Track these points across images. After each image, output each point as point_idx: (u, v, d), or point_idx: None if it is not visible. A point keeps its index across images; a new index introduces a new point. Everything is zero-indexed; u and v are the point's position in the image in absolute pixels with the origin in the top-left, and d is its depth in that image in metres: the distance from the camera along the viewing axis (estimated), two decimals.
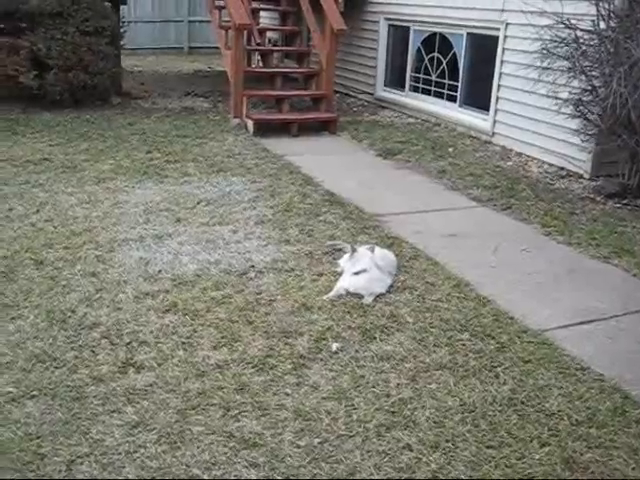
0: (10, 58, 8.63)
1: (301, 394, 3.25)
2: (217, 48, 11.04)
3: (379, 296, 4.23)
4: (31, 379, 3.31)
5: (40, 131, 8.13)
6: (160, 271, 4.48)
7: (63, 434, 2.92)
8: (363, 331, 3.83)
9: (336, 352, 3.61)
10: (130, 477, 2.69)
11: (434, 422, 3.08)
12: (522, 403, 3.24)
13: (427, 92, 9.78)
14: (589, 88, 6.30)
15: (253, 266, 4.60)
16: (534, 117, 7.57)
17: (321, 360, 3.54)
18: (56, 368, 3.41)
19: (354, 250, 4.35)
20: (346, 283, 4.28)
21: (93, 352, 3.55)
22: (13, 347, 3.58)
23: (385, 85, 10.64)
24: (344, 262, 4.49)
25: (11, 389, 3.23)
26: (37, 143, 7.61)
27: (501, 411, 3.17)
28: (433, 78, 9.62)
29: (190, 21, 18.29)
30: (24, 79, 8.72)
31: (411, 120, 9.61)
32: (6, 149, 7.33)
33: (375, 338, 3.76)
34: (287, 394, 3.24)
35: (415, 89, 10.04)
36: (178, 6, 18.15)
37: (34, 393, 3.20)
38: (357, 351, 3.63)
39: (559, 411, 3.19)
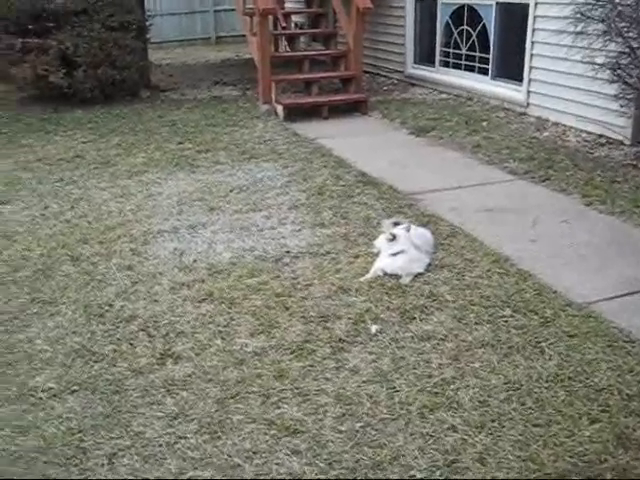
0: (39, 58, 8.70)
1: (341, 378, 3.19)
2: (244, 36, 11.01)
3: (417, 275, 4.14)
4: (71, 374, 3.31)
5: (72, 129, 8.19)
6: (195, 261, 4.46)
7: (104, 427, 2.91)
8: (402, 312, 3.75)
9: (375, 334, 3.55)
10: (172, 468, 2.67)
11: (478, 402, 2.99)
12: (569, 379, 3.13)
13: (458, 66, 9.59)
14: (627, 50, 6.07)
15: (288, 251, 4.55)
16: (570, 85, 7.35)
17: (360, 343, 3.48)
18: (95, 362, 3.41)
19: (393, 237, 4.23)
20: (383, 264, 4.20)
21: (131, 345, 3.54)
22: (52, 343, 3.60)
23: (414, 62, 10.47)
24: (380, 243, 4.40)
25: (52, 385, 3.24)
26: (69, 141, 7.66)
27: (548, 388, 3.07)
28: (463, 52, 9.42)
29: (216, 11, 18.29)
30: (54, 78, 8.79)
31: (443, 96, 9.44)
32: (40, 148, 7.40)
33: (415, 318, 3.68)
34: (327, 379, 3.19)
35: (445, 64, 9.86)
36: None
37: (75, 388, 3.21)
38: (397, 332, 3.56)
39: (609, 386, 3.07)
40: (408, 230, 4.30)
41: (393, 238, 4.23)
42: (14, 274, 4.44)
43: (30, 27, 8.77)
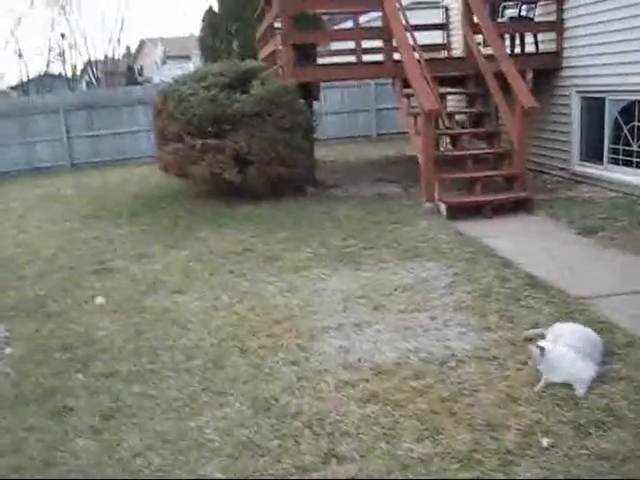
0: (216, 157, 9.35)
1: None
2: (404, 133, 11.26)
3: (591, 388, 3.92)
4: (238, 466, 3.39)
5: (242, 223, 8.65)
6: (360, 360, 4.48)
7: None
8: (576, 426, 3.54)
9: (547, 448, 3.37)
10: None
11: None
12: None
13: (628, 164, 9.25)
14: None
15: (454, 354, 4.46)
16: None
17: (531, 457, 3.31)
18: (261, 456, 3.47)
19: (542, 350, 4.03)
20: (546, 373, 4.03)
21: (296, 441, 3.57)
22: (221, 433, 3.71)
23: (580, 159, 10.23)
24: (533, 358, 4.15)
25: (220, 475, 3.32)
26: (240, 234, 8.07)
27: None
28: (635, 148, 9.11)
29: (377, 109, 18.91)
30: (228, 175, 9.38)
31: (612, 194, 9.10)
32: (212, 241, 7.85)
33: (590, 434, 3.46)
34: None
35: (615, 161, 9.55)
36: (365, 96, 18.89)
37: None
38: (570, 448, 3.35)
39: None
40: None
41: (542, 351, 4.03)
42: (187, 363, 4.66)
43: (209, 129, 9.48)
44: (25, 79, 48.08)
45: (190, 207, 9.98)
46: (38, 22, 72.52)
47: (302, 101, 10.06)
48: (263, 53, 13.44)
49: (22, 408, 4.22)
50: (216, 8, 24.52)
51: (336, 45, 14.86)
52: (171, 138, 9.88)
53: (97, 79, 48.84)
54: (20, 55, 47.07)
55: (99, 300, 6.16)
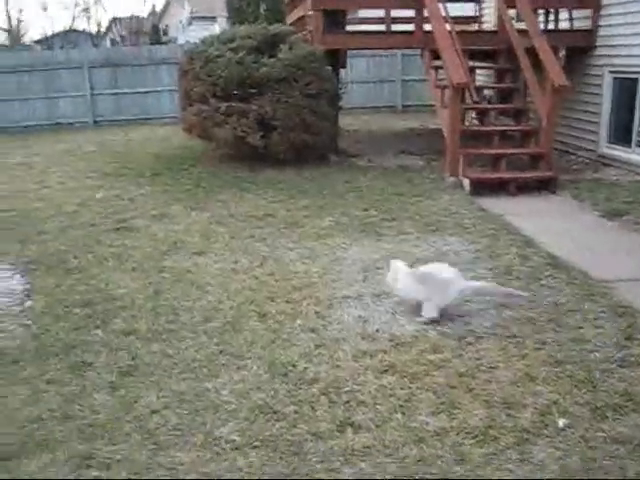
0: (240, 121, 9.31)
1: (525, 471, 3.04)
2: (429, 106, 11.14)
3: (606, 371, 3.89)
4: (254, 430, 3.41)
5: (264, 188, 8.63)
6: (378, 330, 4.48)
7: None
8: (593, 408, 3.53)
9: (563, 429, 3.36)
10: None
11: None
12: None
13: None
14: None
15: (472, 330, 4.45)
16: None
17: (547, 436, 3.31)
18: (277, 421, 3.49)
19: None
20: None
21: (312, 408, 3.59)
22: (237, 396, 3.73)
23: (608, 141, 10.09)
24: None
25: (236, 437, 3.36)
26: (261, 199, 8.07)
27: None
28: None
29: (403, 80, 18.72)
30: (251, 140, 9.34)
31: (639, 178, 8.99)
32: (233, 204, 7.85)
33: (607, 417, 3.45)
34: (510, 470, 3.06)
35: None
36: (392, 67, 18.69)
37: (256, 444, 3.30)
38: (587, 430, 3.34)
39: None
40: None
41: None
42: (205, 324, 4.68)
43: (235, 92, 9.42)
44: (49, 34, 48.04)
45: (212, 169, 9.97)
46: None
47: (329, 68, 9.96)
48: (291, 18, 13.30)
49: (42, 361, 4.26)
50: None
51: (364, 13, 14.66)
52: (196, 99, 9.83)
53: (121, 37, 48.71)
54: (45, 9, 46.86)
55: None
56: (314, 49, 9.71)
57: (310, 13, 10.34)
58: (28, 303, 5.30)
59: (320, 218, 7.20)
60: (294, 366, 4.04)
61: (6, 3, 45.93)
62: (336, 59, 10.52)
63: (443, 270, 4.75)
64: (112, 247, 6.53)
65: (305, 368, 4.01)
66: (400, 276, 4.72)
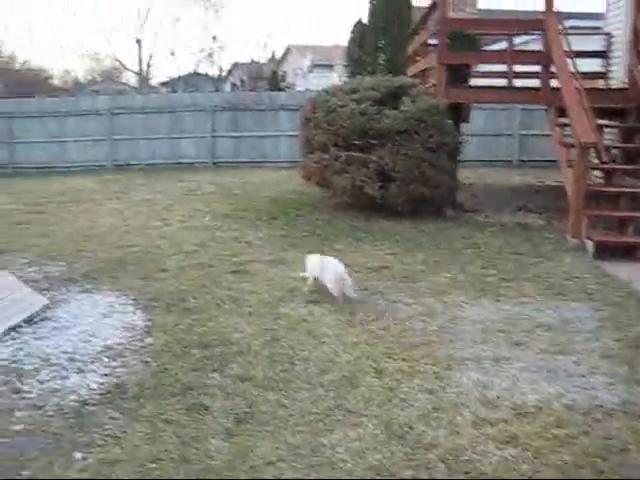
0: (359, 171, 9.39)
1: None
2: (548, 161, 10.82)
3: None
4: None
5: (380, 239, 8.62)
6: (498, 397, 4.32)
7: None
8: None
9: None
10: None
11: None
12: None
13: None
14: None
15: (600, 405, 4.22)
16: None
17: None
18: None
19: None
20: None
21: (430, 474, 3.48)
22: (353, 455, 3.67)
23: None
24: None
25: None
26: (377, 250, 8.05)
27: None
28: None
29: (521, 135, 18.40)
30: (369, 190, 9.39)
31: None
32: (350, 254, 7.86)
33: None
34: None
35: None
36: (510, 120, 18.42)
37: None
38: None
39: None
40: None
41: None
42: (321, 376, 4.66)
43: (356, 142, 9.52)
44: (175, 76, 50.44)
45: (328, 217, 10.06)
46: (192, 23, 75.71)
47: (451, 122, 9.92)
48: (413, 70, 13.39)
49: (160, 400, 4.35)
50: (366, 21, 24.77)
51: (486, 66, 14.59)
52: (317, 147, 10.01)
53: (241, 81, 50.47)
54: (173, 54, 49.34)
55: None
56: (437, 102, 9.71)
57: (434, 66, 10.39)
58: (148, 340, 5.44)
59: (437, 274, 7.10)
60: (411, 428, 3.94)
61: (139, 49, 48.50)
62: (458, 113, 10.49)
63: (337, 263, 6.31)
64: (230, 290, 6.65)
65: (423, 431, 3.90)
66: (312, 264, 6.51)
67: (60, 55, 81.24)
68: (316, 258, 6.58)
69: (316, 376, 4.66)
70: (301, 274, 6.66)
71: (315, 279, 6.45)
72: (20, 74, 47.52)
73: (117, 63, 52.85)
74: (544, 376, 4.63)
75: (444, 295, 6.39)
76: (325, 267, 6.31)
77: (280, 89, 37.75)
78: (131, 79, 55.86)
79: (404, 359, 4.91)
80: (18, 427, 4.06)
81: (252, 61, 50.25)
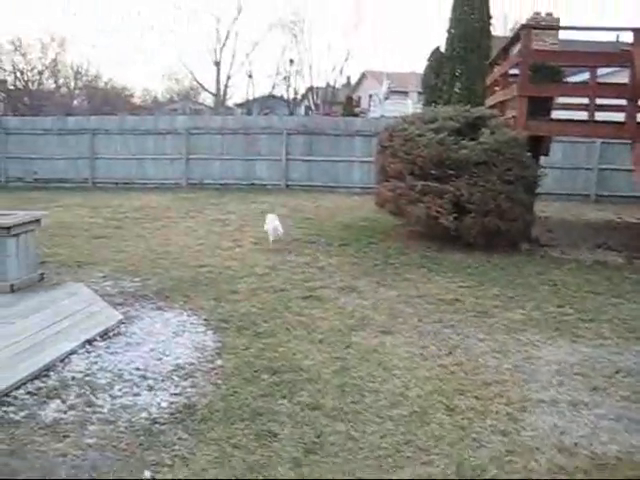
0: (435, 201, 9.31)
1: None
2: (629, 197, 10.45)
3: None
4: None
5: (452, 271, 8.50)
6: (576, 444, 4.16)
7: None
8: None
9: None
10: None
11: None
12: None
13: None
14: None
15: None
16: None
17: None
18: None
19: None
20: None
21: None
22: None
23: None
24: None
25: None
26: (449, 283, 7.93)
27: None
28: None
29: (600, 169, 17.94)
30: (444, 220, 9.28)
31: None
32: (421, 285, 7.77)
33: None
34: None
35: None
36: (589, 154, 17.98)
37: None
38: None
39: None
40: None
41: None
42: (391, 410, 4.58)
43: (432, 172, 9.45)
44: (250, 98, 51.32)
45: (400, 246, 9.98)
46: (270, 47, 77.18)
47: (530, 154, 9.75)
48: (491, 100, 13.25)
49: (229, 423, 4.35)
50: (443, 48, 24.72)
51: (567, 98, 14.31)
52: (392, 175, 9.98)
53: (315, 105, 50.98)
54: (250, 76, 50.23)
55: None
56: (516, 135, 9.56)
57: (514, 97, 10.25)
58: (219, 361, 5.47)
59: (511, 310, 6.93)
60: (484, 471, 3.83)
61: (217, 71, 49.63)
62: (538, 145, 10.33)
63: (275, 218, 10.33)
64: (301, 315, 6.64)
65: (495, 474, 3.79)
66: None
67: (141, 74, 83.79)
68: (271, 216, 10.55)
69: (386, 409, 4.59)
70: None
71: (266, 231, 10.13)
72: (104, 91, 49.19)
73: (195, 83, 54.13)
74: (625, 426, 4.43)
75: (518, 332, 6.23)
76: (269, 221, 10.28)
77: (354, 114, 37.97)
78: (207, 99, 57.14)
79: (477, 397, 4.79)
80: (91, 441, 4.13)
81: (327, 85, 50.76)
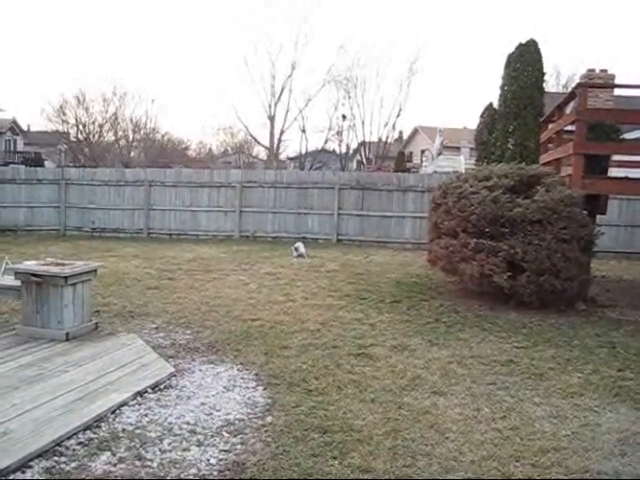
0: (488, 259, 9.20)
1: None
2: None
3: None
4: None
5: (507, 331, 8.33)
6: None
7: None
8: None
9: None
10: None
11: None
12: None
13: None
14: None
15: None
16: None
17: None
18: None
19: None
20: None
21: None
22: None
23: None
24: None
25: None
26: (503, 343, 7.76)
27: None
28: None
29: None
30: (497, 279, 9.15)
31: None
32: (475, 345, 7.63)
33: None
34: None
35: None
36: None
37: None
38: None
39: None
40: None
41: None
42: (444, 475, 4.48)
43: (486, 230, 9.37)
44: (303, 152, 52.04)
45: (452, 304, 9.86)
46: (324, 102, 78.44)
47: (586, 213, 9.60)
48: (546, 157, 13.14)
49: None
50: (496, 105, 24.77)
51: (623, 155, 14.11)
52: (445, 232, 9.93)
53: (368, 160, 51.39)
54: (303, 131, 51.02)
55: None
56: (572, 193, 9.44)
57: (570, 155, 10.15)
58: (269, 419, 5.42)
59: (567, 373, 6.73)
60: None
61: (271, 126, 50.61)
62: (594, 203, 10.15)
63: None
64: (352, 373, 6.56)
65: None
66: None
67: (198, 127, 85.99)
68: (298, 243, 15.52)
69: (439, 474, 4.47)
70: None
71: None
72: (161, 144, 50.58)
73: (249, 137, 55.19)
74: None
75: (576, 397, 6.03)
76: (297, 247, 15.29)
77: (406, 170, 38.14)
78: (261, 152, 58.13)
79: (533, 465, 4.63)
80: None
81: (379, 140, 51.21)
